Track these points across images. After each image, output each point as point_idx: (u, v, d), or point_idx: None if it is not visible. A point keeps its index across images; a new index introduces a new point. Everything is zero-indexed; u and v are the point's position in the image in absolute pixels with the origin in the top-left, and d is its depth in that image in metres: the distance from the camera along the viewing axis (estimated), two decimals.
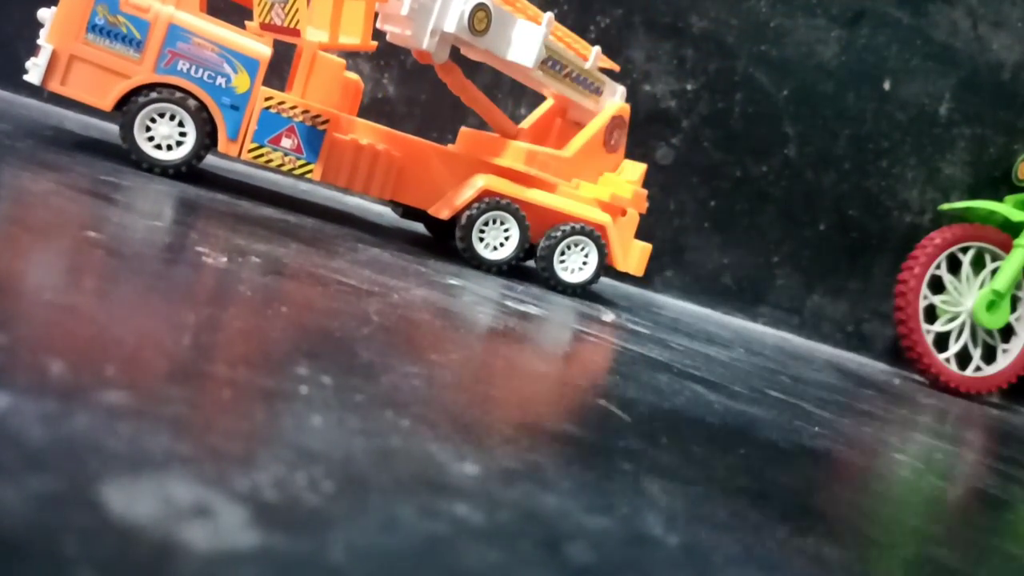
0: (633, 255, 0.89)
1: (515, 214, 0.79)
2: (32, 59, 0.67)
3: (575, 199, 0.84)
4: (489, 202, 0.78)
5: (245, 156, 0.72)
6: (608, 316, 0.76)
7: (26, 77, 0.67)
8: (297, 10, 0.65)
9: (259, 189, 0.85)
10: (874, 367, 1.28)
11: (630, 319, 0.79)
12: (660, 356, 0.60)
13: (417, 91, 1.16)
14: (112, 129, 0.96)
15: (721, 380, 0.58)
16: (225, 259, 0.42)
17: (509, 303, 0.62)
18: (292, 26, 0.66)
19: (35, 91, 1.02)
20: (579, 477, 0.26)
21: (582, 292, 0.84)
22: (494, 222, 0.79)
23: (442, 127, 1.16)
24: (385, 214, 1.05)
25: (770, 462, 0.37)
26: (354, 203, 1.08)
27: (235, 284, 0.38)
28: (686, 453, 0.33)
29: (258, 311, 0.34)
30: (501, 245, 0.79)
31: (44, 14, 0.67)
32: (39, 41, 0.67)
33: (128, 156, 0.68)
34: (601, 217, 0.84)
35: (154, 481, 0.17)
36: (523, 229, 0.79)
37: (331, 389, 0.27)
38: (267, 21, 0.67)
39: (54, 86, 0.67)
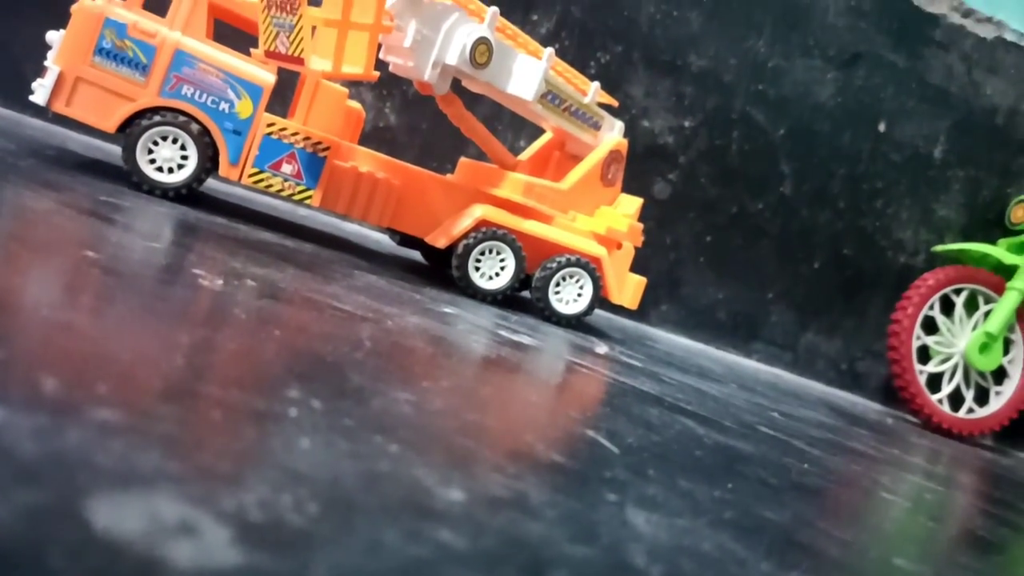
0: (628, 288, 0.89)
1: (511, 244, 0.79)
2: (39, 80, 0.68)
3: (571, 231, 0.85)
4: (486, 232, 0.79)
5: (245, 180, 0.73)
6: (602, 348, 0.76)
7: (32, 98, 0.68)
8: (302, 39, 0.66)
9: (258, 213, 0.85)
10: (867, 406, 1.28)
11: (623, 352, 0.80)
12: (652, 389, 0.61)
13: (418, 121, 1.17)
14: (115, 150, 0.96)
15: (712, 415, 0.58)
16: (221, 282, 0.43)
17: (503, 332, 0.63)
18: (296, 55, 0.67)
19: (40, 111, 1.03)
20: (564, 506, 0.26)
21: (576, 324, 0.84)
22: (490, 252, 0.79)
23: (442, 157, 1.17)
24: (383, 241, 1.06)
25: (757, 497, 0.37)
26: (352, 229, 1.08)
27: (230, 307, 0.38)
28: (673, 486, 0.34)
29: (252, 334, 0.34)
30: (497, 275, 0.80)
31: (52, 36, 0.69)
32: (46, 63, 0.68)
33: (129, 178, 0.69)
34: (596, 250, 0.84)
35: (142, 498, 0.17)
36: (519, 260, 0.80)
37: (321, 412, 0.27)
38: (272, 49, 0.68)
39: (59, 107, 0.68)
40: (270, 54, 0.69)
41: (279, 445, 0.23)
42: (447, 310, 0.64)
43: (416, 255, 1.02)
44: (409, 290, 0.66)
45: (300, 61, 0.67)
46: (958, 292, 1.25)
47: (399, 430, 0.28)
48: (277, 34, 0.67)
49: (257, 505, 0.19)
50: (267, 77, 0.72)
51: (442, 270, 0.93)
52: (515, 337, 0.63)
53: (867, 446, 0.73)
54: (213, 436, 0.22)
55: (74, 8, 0.68)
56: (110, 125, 0.68)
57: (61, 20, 0.72)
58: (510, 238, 0.79)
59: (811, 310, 1.37)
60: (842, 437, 0.73)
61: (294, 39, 0.66)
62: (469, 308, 0.70)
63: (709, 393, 0.71)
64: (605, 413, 0.46)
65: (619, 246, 0.89)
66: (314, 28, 0.68)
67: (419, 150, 1.17)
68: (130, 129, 0.69)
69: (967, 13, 1.33)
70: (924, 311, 1.23)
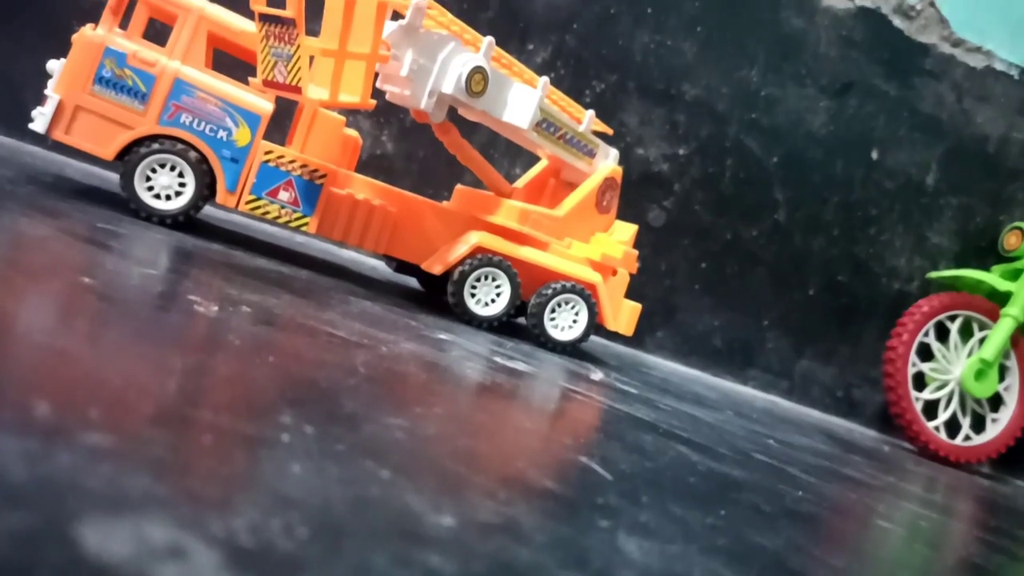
0: (623, 315, 0.90)
1: (507, 271, 0.80)
2: (38, 108, 0.68)
3: (567, 258, 0.85)
4: (482, 258, 0.79)
5: (243, 208, 0.73)
6: (597, 375, 0.76)
7: (31, 126, 0.68)
8: (299, 68, 0.67)
9: (254, 240, 0.86)
10: (863, 433, 1.27)
11: (619, 378, 0.80)
12: (646, 416, 0.61)
13: (415, 148, 1.18)
14: (112, 177, 0.97)
15: (707, 442, 0.58)
16: (216, 308, 0.43)
17: (498, 359, 0.63)
18: (294, 83, 0.67)
19: (39, 139, 1.04)
20: (555, 532, 0.26)
21: (572, 350, 0.84)
22: (486, 278, 0.80)
23: (438, 184, 1.18)
24: (379, 268, 1.06)
25: (750, 524, 0.37)
26: (349, 256, 1.09)
27: (225, 332, 0.38)
28: (665, 512, 0.33)
29: (246, 359, 0.35)
30: (492, 301, 0.80)
31: (53, 65, 0.69)
32: (47, 91, 0.69)
33: (127, 204, 0.69)
34: (592, 276, 0.85)
35: (131, 521, 0.17)
36: (514, 286, 0.80)
37: (313, 438, 0.27)
38: (270, 78, 0.69)
39: (58, 135, 0.68)
40: (268, 83, 0.70)
41: (270, 470, 0.23)
42: (442, 336, 0.64)
43: (412, 282, 1.03)
44: (404, 316, 0.67)
45: (298, 90, 0.68)
46: (953, 319, 1.25)
47: (391, 456, 0.28)
48: (275, 64, 0.68)
49: (247, 529, 0.19)
50: (265, 106, 0.73)
51: (438, 297, 0.93)
52: (510, 363, 0.63)
53: (863, 473, 0.73)
54: (204, 460, 0.22)
55: (75, 37, 0.69)
56: (109, 153, 0.69)
57: (62, 49, 0.73)
58: (505, 264, 0.80)
59: (806, 337, 1.37)
60: (837, 464, 0.73)
61: (292, 68, 0.67)
62: (464, 334, 0.70)
63: (704, 420, 0.71)
64: (599, 439, 0.46)
65: (614, 273, 0.89)
66: (312, 57, 0.68)
67: (416, 177, 1.18)
68: (128, 157, 0.69)
69: (957, 43, 1.35)
70: (919, 338, 1.23)
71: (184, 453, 0.22)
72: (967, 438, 1.26)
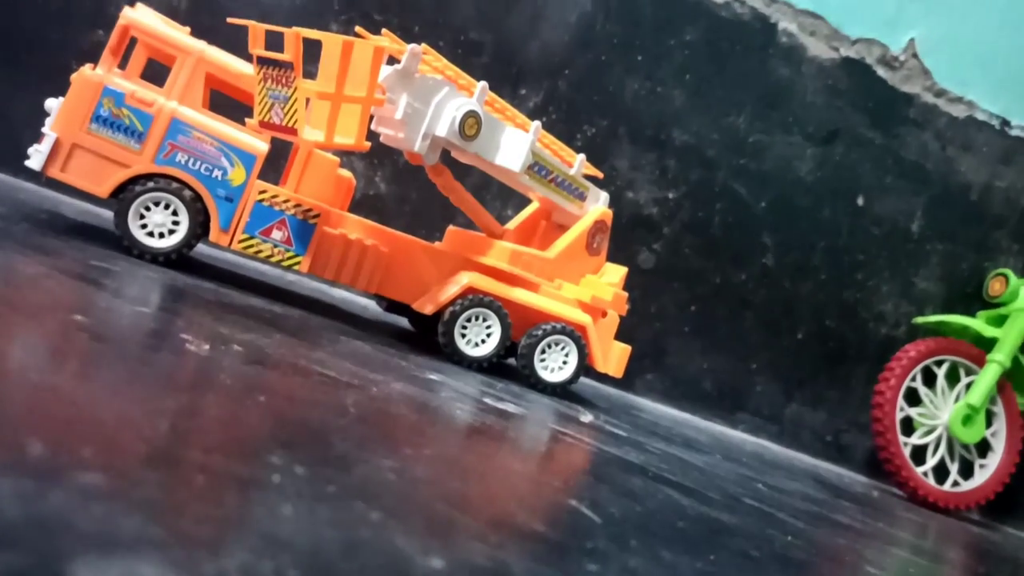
0: (613, 356, 0.90)
1: (497, 311, 0.80)
2: (35, 146, 0.69)
3: (557, 299, 0.86)
4: (472, 299, 0.79)
5: (236, 246, 0.73)
6: (587, 417, 0.76)
7: (28, 163, 0.69)
8: (296, 110, 0.68)
9: (246, 278, 0.86)
10: (853, 478, 1.27)
11: (608, 421, 0.80)
12: (636, 459, 0.61)
13: (408, 190, 1.19)
14: (105, 214, 0.97)
15: (696, 485, 0.58)
16: (208, 347, 0.43)
17: (488, 400, 0.63)
18: (290, 125, 0.68)
19: (34, 176, 1.04)
20: None
21: (562, 392, 0.84)
22: (477, 319, 0.80)
23: (431, 225, 1.19)
24: (370, 307, 1.06)
25: (740, 569, 0.37)
26: (340, 295, 1.09)
27: (216, 372, 0.38)
28: (654, 556, 0.33)
29: (237, 399, 0.35)
30: (483, 342, 0.80)
31: (51, 104, 0.70)
32: (44, 129, 0.69)
33: (120, 242, 0.69)
34: (582, 317, 0.85)
35: (123, 562, 0.17)
36: (505, 327, 0.80)
37: (304, 479, 0.27)
38: (267, 119, 0.70)
39: (54, 172, 0.68)
40: (264, 124, 0.71)
41: (261, 511, 0.23)
42: (432, 377, 0.64)
43: (403, 321, 1.03)
44: (395, 356, 0.67)
45: (293, 131, 0.69)
46: (939, 364, 1.26)
47: (381, 497, 0.28)
48: (272, 105, 0.69)
49: (238, 571, 0.19)
50: (260, 146, 0.74)
51: (429, 337, 0.94)
52: (500, 405, 0.63)
53: (852, 519, 0.73)
54: (196, 501, 0.22)
55: (74, 77, 0.70)
56: (104, 191, 0.69)
57: (61, 88, 0.74)
58: (496, 305, 0.80)
59: (796, 381, 1.38)
60: (827, 510, 0.73)
61: (288, 110, 0.68)
62: (454, 375, 0.70)
63: (694, 463, 0.71)
64: (588, 482, 0.46)
65: (604, 314, 0.90)
66: (308, 100, 0.70)
67: (409, 218, 1.19)
68: (123, 195, 0.69)
69: (939, 93, 1.39)
70: (906, 383, 1.24)
71: (176, 493, 0.22)
72: (956, 484, 1.26)
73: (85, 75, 0.70)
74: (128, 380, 0.32)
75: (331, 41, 0.69)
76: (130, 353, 0.36)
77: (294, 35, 0.66)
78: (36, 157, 0.68)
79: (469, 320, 0.80)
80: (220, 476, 0.25)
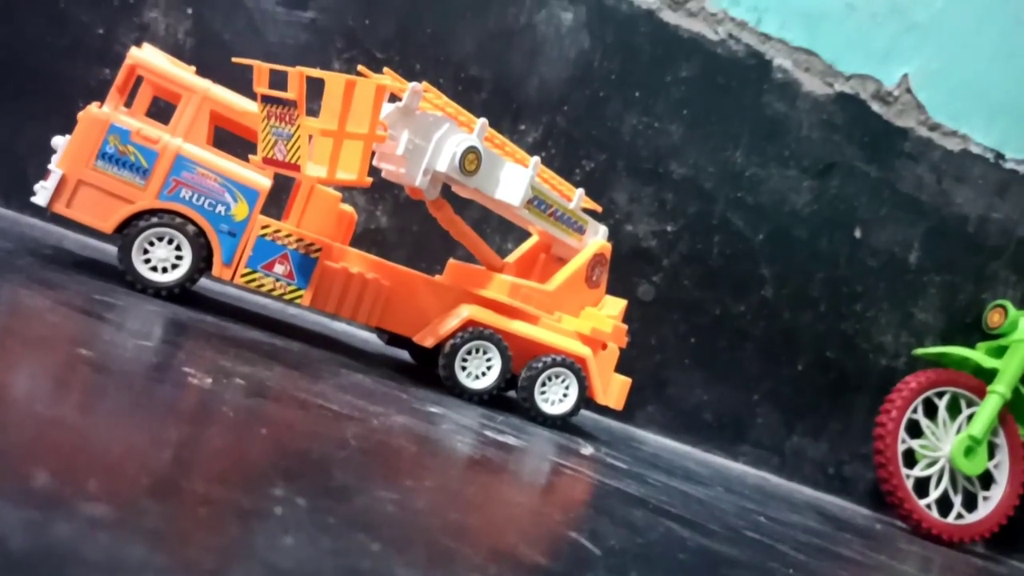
0: (613, 389, 0.90)
1: (497, 344, 0.80)
2: (41, 182, 0.70)
3: (557, 331, 0.86)
4: (473, 331, 0.80)
5: (238, 280, 0.74)
6: (587, 449, 0.76)
7: (34, 199, 0.69)
8: (299, 147, 0.69)
9: (248, 312, 0.86)
10: (855, 511, 1.26)
11: (609, 453, 0.80)
12: (636, 491, 0.60)
13: (408, 223, 1.20)
14: (108, 249, 0.98)
15: (696, 518, 0.58)
16: (210, 380, 0.44)
17: (488, 432, 0.63)
18: (293, 161, 0.69)
19: (38, 211, 1.05)
20: None
21: (563, 424, 0.84)
22: (477, 351, 0.80)
23: (431, 258, 1.20)
24: (371, 340, 1.07)
25: None
26: (341, 328, 1.09)
27: (218, 404, 0.39)
28: None
29: (239, 431, 0.35)
30: (483, 375, 0.81)
31: (58, 141, 0.71)
32: (50, 166, 0.70)
33: (123, 277, 0.70)
34: (582, 350, 0.85)
35: None
36: (505, 359, 0.81)
37: (305, 510, 0.27)
38: (270, 156, 0.71)
39: (59, 208, 0.69)
40: (268, 160, 0.72)
41: (263, 542, 0.23)
42: (433, 409, 0.64)
43: (404, 354, 1.03)
44: (395, 389, 0.67)
45: (296, 168, 0.70)
46: (940, 395, 1.26)
47: (382, 528, 0.28)
48: (275, 142, 0.70)
49: None
50: (263, 182, 0.75)
51: (429, 369, 0.94)
52: (500, 437, 0.63)
53: (855, 551, 0.72)
54: (199, 531, 0.22)
55: (81, 115, 0.71)
56: (108, 226, 0.70)
57: (67, 125, 0.75)
58: (496, 337, 0.81)
59: (796, 412, 1.38)
60: (829, 542, 0.73)
61: (291, 147, 0.69)
62: (455, 408, 0.70)
63: (694, 496, 0.71)
64: (588, 514, 0.46)
65: (604, 347, 0.90)
66: (311, 137, 0.71)
67: (409, 250, 1.20)
68: (127, 230, 0.70)
69: (934, 127, 1.40)
70: (908, 414, 1.24)
71: (179, 524, 0.22)
72: (959, 516, 1.25)
73: (92, 113, 0.71)
74: (132, 412, 0.32)
75: (334, 80, 0.70)
76: (133, 385, 0.37)
77: (298, 74, 0.67)
78: (42, 193, 0.69)
79: (469, 353, 0.80)
80: (223, 506, 0.25)
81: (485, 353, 0.81)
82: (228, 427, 0.35)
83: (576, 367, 0.84)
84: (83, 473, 0.23)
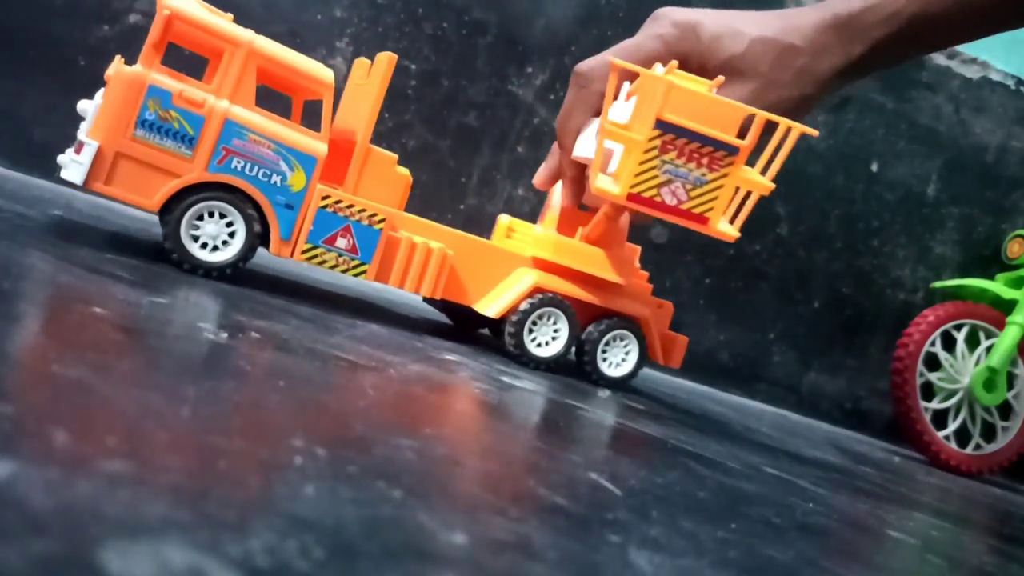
0: (671, 348, 0.87)
1: (566, 311, 0.77)
2: (71, 155, 0.61)
3: (617, 293, 0.82)
4: (542, 298, 0.76)
5: (298, 257, 0.68)
6: (604, 393, 0.76)
7: (63, 174, 0.61)
8: (717, 198, 0.64)
9: (258, 272, 0.86)
10: (873, 444, 1.27)
11: (627, 395, 0.80)
12: (655, 432, 0.61)
13: (418, 173, 1.19)
14: (117, 208, 0.98)
15: (716, 456, 0.58)
16: (226, 335, 0.44)
17: (505, 379, 0.63)
18: (697, 211, 0.65)
19: (47, 172, 1.05)
20: (566, 548, 0.26)
21: (621, 387, 0.83)
22: (544, 318, 0.78)
23: (441, 207, 1.19)
24: (381, 291, 1.07)
25: (761, 537, 0.37)
26: (351, 283, 1.09)
27: (235, 359, 0.39)
28: (675, 526, 0.34)
29: (257, 385, 0.35)
30: (550, 342, 0.78)
31: (85, 106, 0.63)
32: (80, 136, 0.62)
33: (169, 256, 0.63)
34: (642, 310, 0.82)
35: (151, 546, 0.18)
36: (573, 325, 0.78)
37: (325, 460, 0.27)
38: (645, 193, 0.65)
39: (97, 186, 0.61)
40: (635, 198, 0.65)
41: (284, 493, 0.23)
42: (449, 357, 0.64)
43: (415, 306, 1.03)
44: (411, 338, 0.67)
45: (702, 220, 0.65)
46: (959, 328, 1.25)
47: (402, 476, 0.28)
48: (667, 181, 0.64)
49: (263, 551, 0.19)
50: (320, 147, 0.67)
51: (469, 331, 0.91)
52: (518, 383, 0.63)
53: (873, 484, 0.73)
54: (220, 485, 0.22)
55: (112, 75, 0.61)
56: (154, 204, 0.62)
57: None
58: (565, 304, 0.77)
59: (813, 350, 1.37)
60: (848, 476, 0.73)
61: (701, 194, 0.64)
62: (470, 355, 0.70)
63: (712, 435, 0.71)
64: (608, 456, 0.46)
65: (660, 305, 0.88)
66: (736, 189, 0.65)
67: (419, 202, 1.19)
68: (174, 206, 0.62)
69: (952, 55, 1.37)
70: (926, 348, 1.23)
71: (200, 478, 0.22)
72: (978, 447, 1.25)
73: (126, 73, 0.60)
74: (149, 369, 0.32)
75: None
76: (150, 343, 0.37)
77: (762, 120, 0.62)
78: (75, 169, 0.60)
79: (535, 322, 0.77)
80: (242, 459, 0.25)
81: (552, 320, 0.78)
82: (246, 381, 0.35)
83: (637, 328, 0.82)
84: (102, 431, 0.23)
